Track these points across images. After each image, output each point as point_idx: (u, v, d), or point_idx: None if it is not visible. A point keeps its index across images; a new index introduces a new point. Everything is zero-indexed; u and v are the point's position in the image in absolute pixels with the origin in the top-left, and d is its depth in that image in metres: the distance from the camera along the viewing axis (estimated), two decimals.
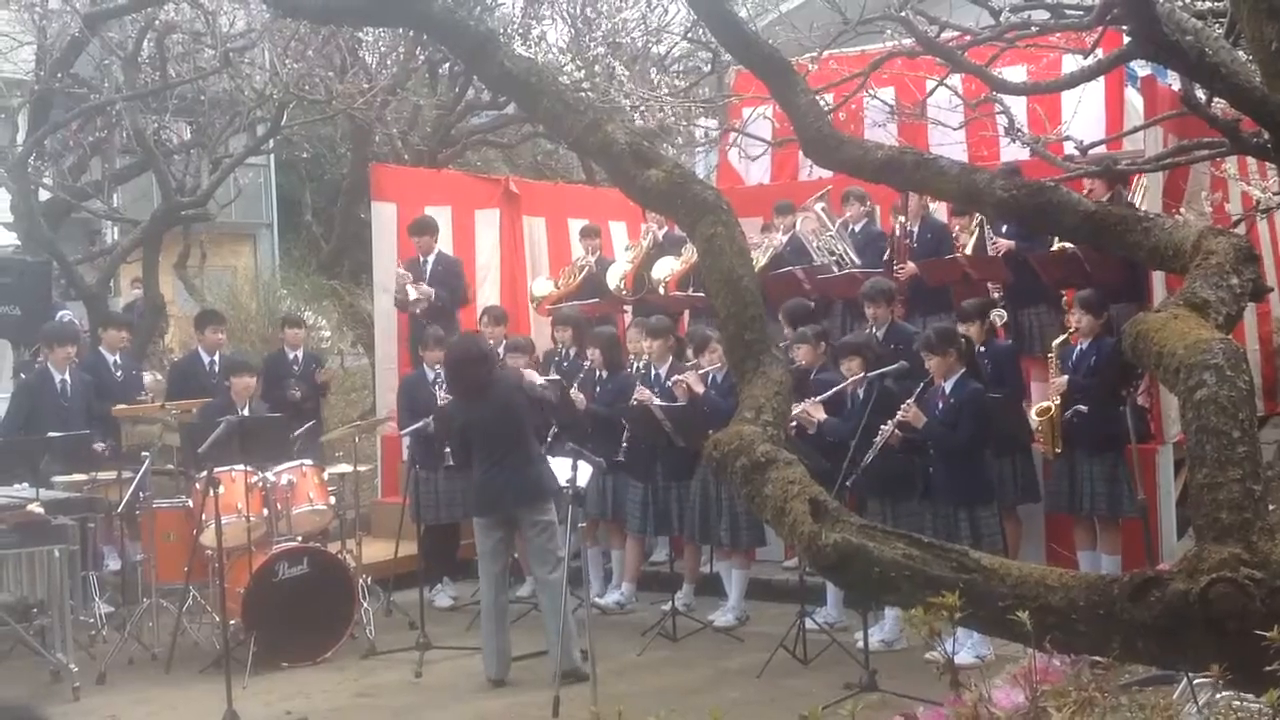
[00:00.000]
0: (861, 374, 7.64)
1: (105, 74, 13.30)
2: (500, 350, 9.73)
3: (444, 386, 9.13)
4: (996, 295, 9.29)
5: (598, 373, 9.08)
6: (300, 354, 10.68)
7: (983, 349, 8.10)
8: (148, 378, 10.23)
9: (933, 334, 7.58)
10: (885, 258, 9.68)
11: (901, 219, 9.60)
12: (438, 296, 10.33)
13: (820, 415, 7.71)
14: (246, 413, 8.46)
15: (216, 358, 10.05)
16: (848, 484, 7.01)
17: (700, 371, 8.39)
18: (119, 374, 9.94)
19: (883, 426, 7.29)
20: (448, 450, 8.73)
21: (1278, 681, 2.85)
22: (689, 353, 8.79)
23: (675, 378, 8.50)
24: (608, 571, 9.24)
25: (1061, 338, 8.18)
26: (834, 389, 7.81)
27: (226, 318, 11.39)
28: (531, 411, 7.61)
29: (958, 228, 9.55)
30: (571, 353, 9.62)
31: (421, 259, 10.53)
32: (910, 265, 9.39)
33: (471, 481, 7.61)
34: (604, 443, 8.48)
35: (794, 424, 7.22)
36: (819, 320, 9.09)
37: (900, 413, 7.30)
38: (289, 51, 11.79)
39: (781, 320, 8.81)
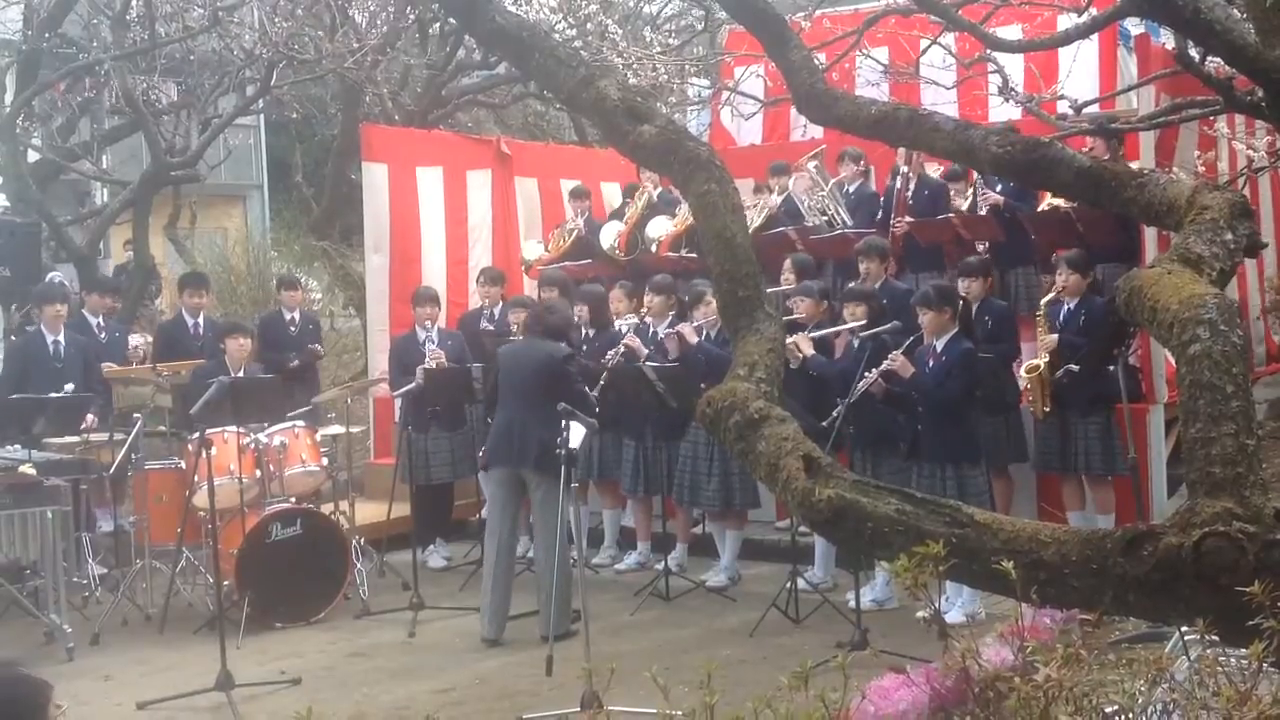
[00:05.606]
0: (864, 320, 7.55)
1: (93, 33, 13.20)
2: (498, 310, 9.73)
3: (436, 342, 9.16)
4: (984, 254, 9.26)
5: (585, 330, 9.06)
6: (297, 315, 10.62)
7: (980, 307, 8.08)
8: (137, 339, 10.17)
9: (932, 290, 7.54)
10: (879, 217, 9.65)
11: (904, 170, 9.55)
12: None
13: (809, 350, 7.69)
14: (240, 374, 8.43)
15: (201, 320, 10.03)
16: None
17: (694, 324, 8.35)
18: (102, 335, 9.91)
19: (867, 373, 7.24)
20: (436, 410, 8.80)
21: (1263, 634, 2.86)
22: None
23: (668, 330, 8.47)
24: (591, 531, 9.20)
25: (1049, 295, 8.16)
26: (830, 330, 7.79)
27: (211, 280, 11.34)
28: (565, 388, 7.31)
29: (954, 191, 9.52)
30: None
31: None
32: (905, 220, 9.35)
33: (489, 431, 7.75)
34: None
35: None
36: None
37: (888, 361, 7.26)
38: (278, 10, 11.68)
39: (787, 268, 8.79)
